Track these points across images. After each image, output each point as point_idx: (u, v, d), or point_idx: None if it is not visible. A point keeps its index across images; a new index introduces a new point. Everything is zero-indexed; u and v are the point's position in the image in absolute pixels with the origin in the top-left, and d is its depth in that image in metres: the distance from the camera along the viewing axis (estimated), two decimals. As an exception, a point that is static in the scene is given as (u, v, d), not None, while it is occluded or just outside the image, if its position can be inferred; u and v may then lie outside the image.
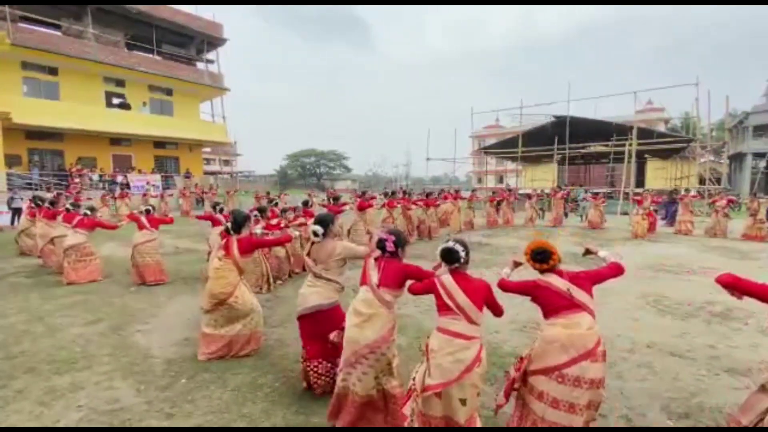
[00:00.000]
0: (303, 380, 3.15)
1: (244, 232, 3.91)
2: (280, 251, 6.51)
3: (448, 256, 2.36)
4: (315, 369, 3.03)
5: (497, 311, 2.43)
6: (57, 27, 21.21)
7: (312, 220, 3.27)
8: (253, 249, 4.06)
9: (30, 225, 8.83)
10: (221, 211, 7.02)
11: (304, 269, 7.15)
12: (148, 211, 6.82)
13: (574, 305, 2.28)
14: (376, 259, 2.69)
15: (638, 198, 12.36)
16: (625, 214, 15.10)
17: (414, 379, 2.33)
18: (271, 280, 6.03)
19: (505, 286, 2.50)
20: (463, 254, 2.34)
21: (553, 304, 2.32)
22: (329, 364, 3.02)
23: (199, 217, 8.12)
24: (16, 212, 14.30)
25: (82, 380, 3.36)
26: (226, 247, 3.81)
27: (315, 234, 3.00)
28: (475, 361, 2.18)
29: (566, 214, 17.27)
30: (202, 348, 3.73)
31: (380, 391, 2.55)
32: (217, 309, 3.68)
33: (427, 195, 13.06)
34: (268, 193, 17.16)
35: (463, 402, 2.17)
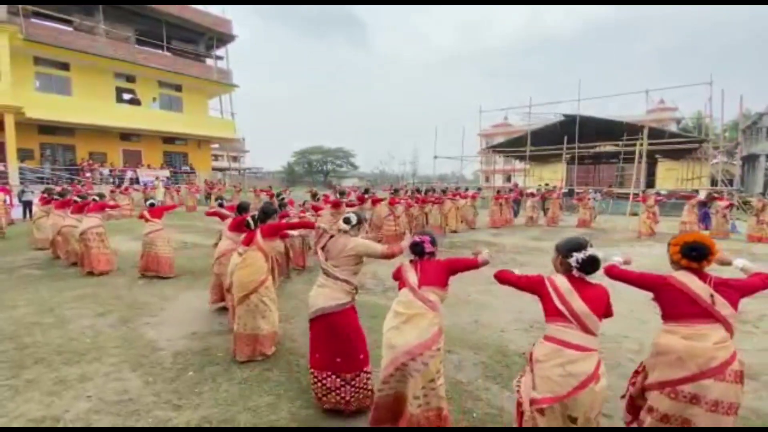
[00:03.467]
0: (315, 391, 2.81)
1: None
2: (279, 245, 6.47)
3: (590, 267, 2.04)
4: (322, 382, 2.72)
5: (610, 315, 2.13)
6: (69, 23, 21.45)
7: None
8: (276, 232, 3.93)
9: (42, 215, 9.00)
10: (221, 205, 6.96)
11: (303, 266, 7.16)
12: (152, 204, 6.90)
13: (707, 315, 2.00)
14: (411, 262, 2.51)
15: (642, 197, 12.25)
16: (635, 215, 14.95)
17: (518, 390, 2.11)
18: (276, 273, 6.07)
19: (615, 273, 2.25)
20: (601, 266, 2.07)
21: (678, 309, 2.05)
22: (338, 379, 2.69)
23: (207, 214, 8.07)
24: (27, 205, 14.55)
25: (92, 371, 3.41)
26: (250, 239, 3.71)
27: (347, 221, 2.79)
28: (591, 377, 1.89)
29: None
30: (238, 351, 3.53)
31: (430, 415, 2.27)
32: (245, 302, 3.52)
33: (425, 192, 13.30)
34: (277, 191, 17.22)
35: (573, 420, 1.90)
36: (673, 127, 30.29)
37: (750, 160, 33.03)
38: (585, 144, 20.21)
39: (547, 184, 15.88)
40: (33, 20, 19.53)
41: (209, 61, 27.35)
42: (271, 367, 3.48)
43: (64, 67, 21.00)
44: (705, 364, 1.92)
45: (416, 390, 2.25)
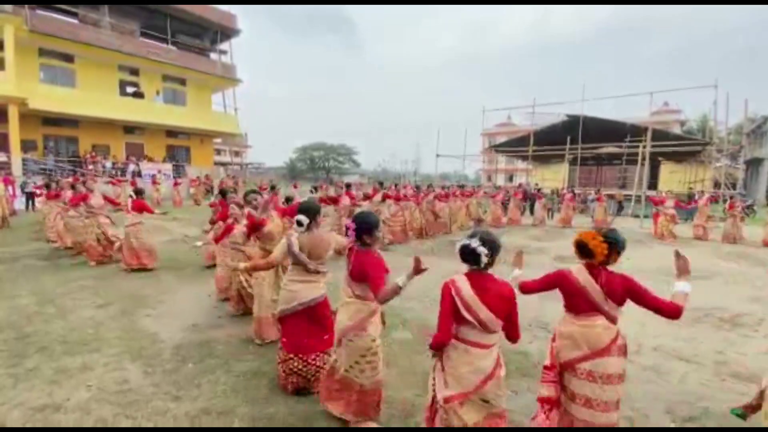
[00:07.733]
0: (287, 381, 2.95)
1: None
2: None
3: (464, 257, 2.08)
4: (314, 363, 2.92)
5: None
6: (74, 15, 21.43)
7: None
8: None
9: (46, 209, 9.07)
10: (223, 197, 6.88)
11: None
12: (131, 197, 6.84)
13: (593, 308, 2.15)
14: (350, 249, 2.59)
15: (662, 198, 11.93)
16: (637, 216, 14.91)
17: (433, 391, 2.14)
18: None
19: (527, 288, 2.38)
20: (486, 256, 2.02)
21: (572, 300, 2.23)
22: (326, 356, 2.95)
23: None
24: (30, 196, 14.61)
25: (92, 361, 3.44)
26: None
27: (299, 224, 2.82)
28: (494, 369, 2.05)
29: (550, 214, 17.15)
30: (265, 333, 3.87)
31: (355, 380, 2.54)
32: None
33: (427, 187, 13.57)
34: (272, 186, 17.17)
35: (486, 401, 2.05)
36: (677, 130, 30.18)
37: (754, 164, 32.85)
38: (588, 145, 20.16)
39: (519, 186, 15.99)
40: (38, 11, 19.50)
41: (213, 56, 27.31)
42: (270, 361, 3.49)
43: (69, 59, 20.97)
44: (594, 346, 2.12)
45: (350, 362, 2.53)
